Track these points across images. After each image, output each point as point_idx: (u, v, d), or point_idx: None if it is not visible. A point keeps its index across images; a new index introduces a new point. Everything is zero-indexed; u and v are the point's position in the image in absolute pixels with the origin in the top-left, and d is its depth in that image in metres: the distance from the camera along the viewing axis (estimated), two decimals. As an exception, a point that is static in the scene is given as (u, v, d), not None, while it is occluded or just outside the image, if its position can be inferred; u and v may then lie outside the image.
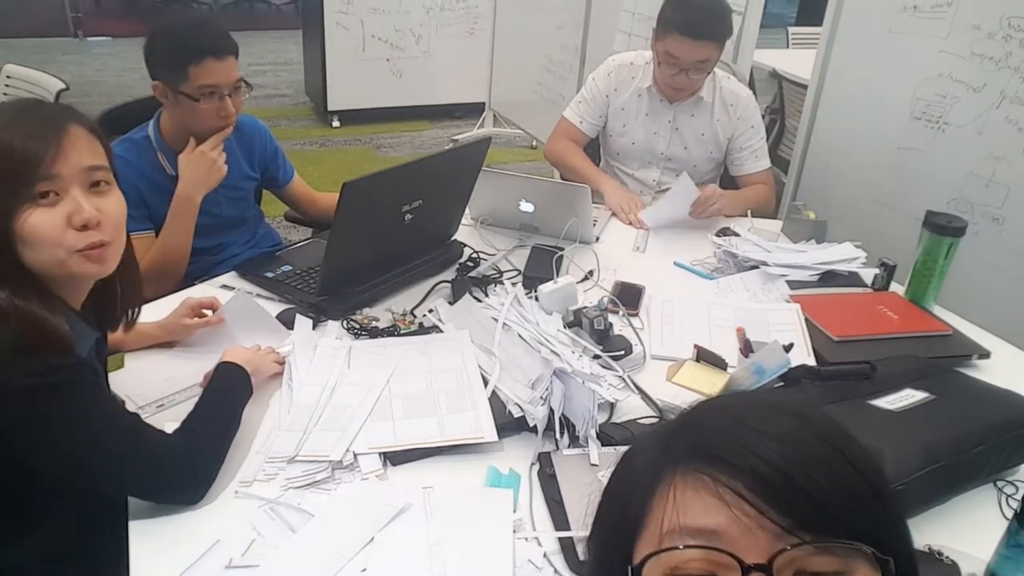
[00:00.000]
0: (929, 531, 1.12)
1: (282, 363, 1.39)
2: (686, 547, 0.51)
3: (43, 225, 0.97)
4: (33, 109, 1.01)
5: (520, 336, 1.46)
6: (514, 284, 1.71)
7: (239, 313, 1.47)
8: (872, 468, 0.53)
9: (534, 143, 5.09)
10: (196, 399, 1.21)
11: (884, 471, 1.03)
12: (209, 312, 1.47)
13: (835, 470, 0.51)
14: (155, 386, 1.33)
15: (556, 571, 1.02)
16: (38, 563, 1.08)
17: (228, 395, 1.22)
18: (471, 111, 5.45)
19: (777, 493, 0.49)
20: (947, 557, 1.06)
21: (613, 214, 2.20)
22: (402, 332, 1.54)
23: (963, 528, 1.14)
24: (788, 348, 1.34)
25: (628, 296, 1.73)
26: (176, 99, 1.69)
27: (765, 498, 0.49)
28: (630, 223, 2.16)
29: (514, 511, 1.10)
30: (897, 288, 1.80)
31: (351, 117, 5.41)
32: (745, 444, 0.52)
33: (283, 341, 1.46)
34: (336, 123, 5.41)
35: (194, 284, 1.72)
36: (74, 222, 0.98)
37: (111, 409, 1.05)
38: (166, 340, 1.45)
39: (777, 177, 2.46)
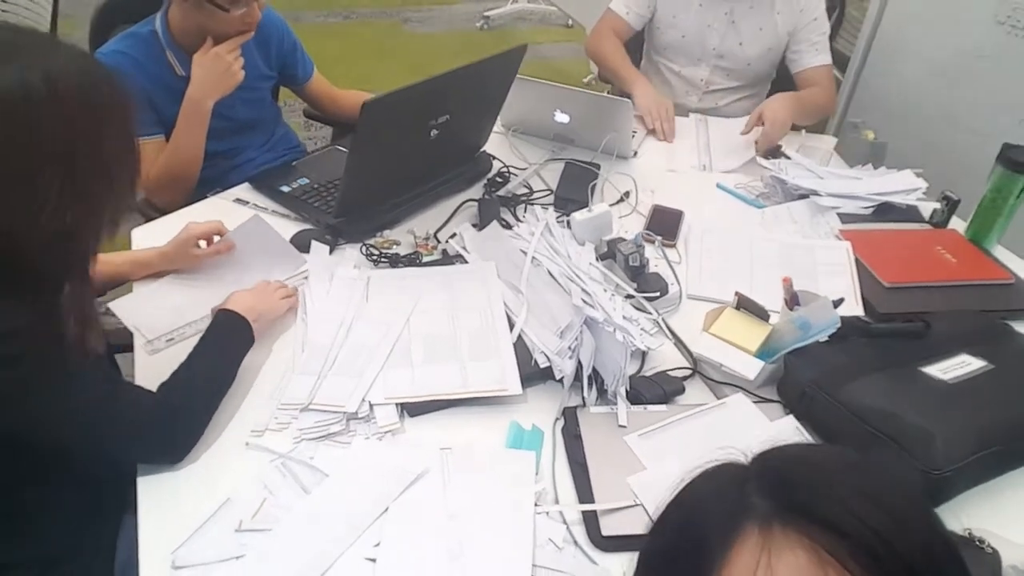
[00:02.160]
0: (970, 512, 1.06)
1: (292, 296, 1.32)
2: None
3: None
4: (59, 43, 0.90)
5: (550, 273, 1.37)
6: (545, 208, 1.61)
7: (251, 238, 1.38)
8: (944, 529, 0.53)
9: (569, 22, 4.78)
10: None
11: (936, 458, 0.94)
12: (217, 238, 1.37)
13: (924, 536, 0.50)
14: (164, 317, 1.27)
15: (577, 545, 0.98)
16: (32, 563, 1.03)
17: (222, 348, 1.15)
18: (504, -17, 5.10)
19: (881, 564, 0.48)
20: (988, 544, 1.00)
21: (641, 119, 2.03)
22: (424, 260, 1.46)
23: (1008, 511, 1.07)
24: (837, 304, 1.24)
25: (665, 223, 1.61)
26: (199, 4, 1.54)
27: (868, 569, 0.48)
28: (653, 131, 2.00)
29: (536, 473, 1.06)
30: (958, 224, 1.67)
31: (378, -15, 5.10)
32: (844, 505, 0.49)
33: (297, 268, 1.39)
34: (362, -9, 5.10)
35: (206, 196, 1.63)
36: None
37: (78, 383, 0.94)
38: (168, 269, 1.36)
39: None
